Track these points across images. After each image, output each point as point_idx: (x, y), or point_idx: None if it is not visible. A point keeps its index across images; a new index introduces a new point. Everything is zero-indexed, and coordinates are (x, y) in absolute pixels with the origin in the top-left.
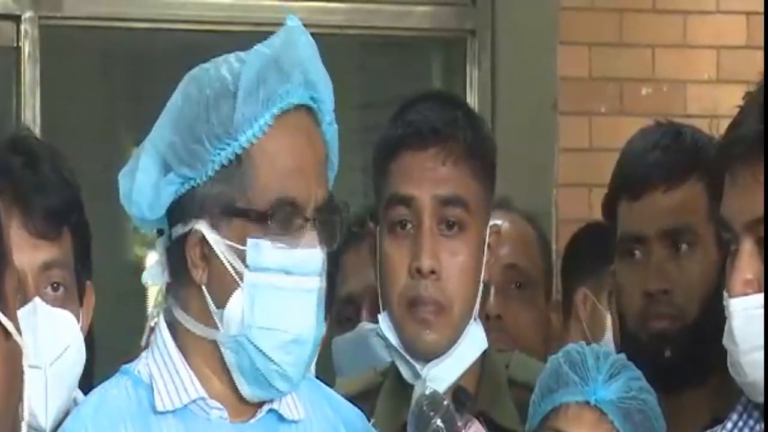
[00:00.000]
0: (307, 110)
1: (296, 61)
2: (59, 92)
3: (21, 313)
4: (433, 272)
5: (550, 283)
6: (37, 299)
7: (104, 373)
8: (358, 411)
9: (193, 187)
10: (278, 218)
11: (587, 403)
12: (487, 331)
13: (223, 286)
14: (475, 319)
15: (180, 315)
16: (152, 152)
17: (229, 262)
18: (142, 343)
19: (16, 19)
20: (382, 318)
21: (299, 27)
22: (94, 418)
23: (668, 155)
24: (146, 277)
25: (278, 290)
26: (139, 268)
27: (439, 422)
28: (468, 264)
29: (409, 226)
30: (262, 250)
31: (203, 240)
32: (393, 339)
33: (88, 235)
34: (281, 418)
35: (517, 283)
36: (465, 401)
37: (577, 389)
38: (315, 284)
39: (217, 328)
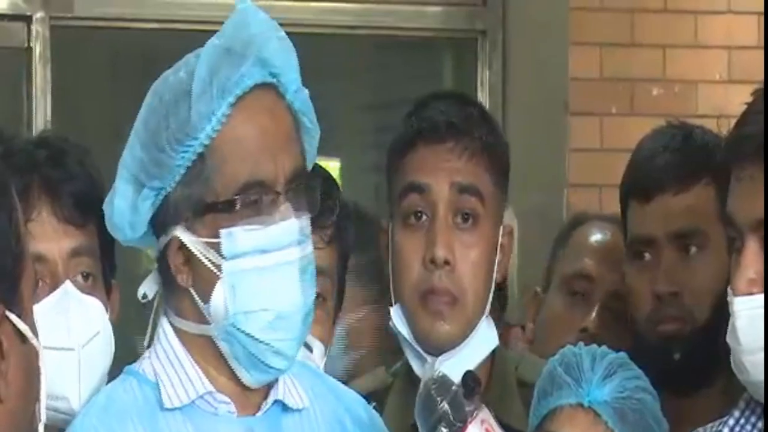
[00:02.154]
0: (267, 87)
1: (247, 42)
2: (70, 93)
3: (52, 298)
4: (447, 263)
5: None
6: (68, 283)
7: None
8: (361, 398)
9: (166, 196)
10: (246, 202)
11: (581, 404)
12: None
13: (206, 282)
14: (487, 316)
15: (175, 320)
16: (125, 174)
17: (206, 257)
18: (146, 344)
19: (27, 19)
20: (394, 311)
21: (250, 6)
22: (103, 417)
23: (678, 157)
24: (141, 291)
25: (258, 271)
26: (150, 266)
27: (445, 406)
28: (481, 258)
29: (423, 217)
30: (236, 237)
31: (182, 244)
32: (405, 332)
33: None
34: (285, 408)
35: (618, 313)
36: (474, 387)
37: (570, 391)
38: (294, 255)
39: (209, 323)
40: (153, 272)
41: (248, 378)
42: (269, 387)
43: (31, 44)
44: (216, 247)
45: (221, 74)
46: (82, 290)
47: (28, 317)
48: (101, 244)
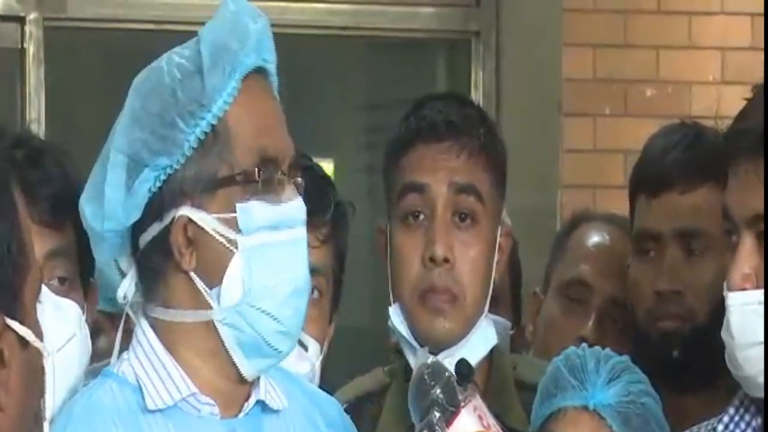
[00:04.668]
0: (262, 73)
1: (245, 28)
2: (63, 94)
3: None
4: (446, 261)
5: None
6: (43, 287)
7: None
8: (333, 399)
9: (169, 175)
10: (263, 176)
11: (585, 407)
12: (583, 345)
13: (217, 261)
14: (485, 316)
15: (162, 313)
16: (118, 160)
17: (220, 234)
18: (113, 359)
19: (20, 20)
20: (393, 310)
21: (242, 1)
22: (86, 419)
23: (688, 156)
24: (121, 293)
25: (272, 247)
26: None
27: (438, 392)
28: (480, 257)
29: (422, 216)
30: (252, 211)
31: (187, 225)
32: (404, 331)
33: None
34: (265, 408)
35: (616, 318)
36: (467, 374)
37: (575, 393)
38: (302, 234)
39: (209, 308)
40: (130, 273)
41: (246, 367)
42: (251, 387)
43: (25, 45)
44: (231, 223)
45: (229, 51)
46: (58, 293)
47: (31, 319)
48: (79, 244)
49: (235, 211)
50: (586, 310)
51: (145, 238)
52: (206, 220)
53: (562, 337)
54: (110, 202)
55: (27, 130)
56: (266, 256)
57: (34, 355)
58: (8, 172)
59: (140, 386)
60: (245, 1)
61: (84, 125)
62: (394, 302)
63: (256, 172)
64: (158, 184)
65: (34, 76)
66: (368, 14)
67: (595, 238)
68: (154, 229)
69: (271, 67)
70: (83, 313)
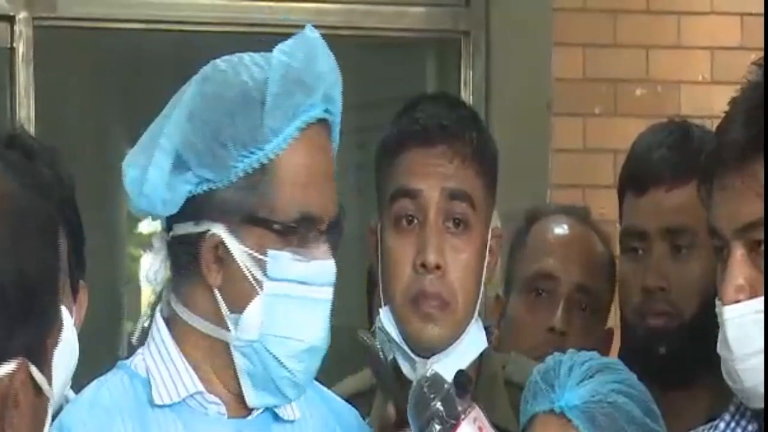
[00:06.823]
0: (324, 124)
1: (318, 75)
2: (54, 93)
3: None
4: (438, 267)
5: (611, 304)
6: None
7: (89, 372)
8: (353, 409)
9: (211, 189)
10: (299, 232)
11: (552, 410)
12: (549, 344)
13: (241, 291)
14: (476, 319)
15: (182, 311)
16: (167, 148)
17: (248, 269)
18: (134, 341)
19: (10, 19)
20: (384, 313)
21: (319, 39)
22: (91, 410)
23: (674, 154)
24: (146, 275)
25: (295, 300)
26: (134, 268)
27: (438, 405)
28: (471, 262)
29: (414, 221)
30: (283, 261)
31: (220, 244)
32: (394, 334)
33: (81, 233)
34: (276, 416)
35: (584, 305)
36: (466, 385)
37: (544, 398)
38: (329, 295)
39: (227, 329)
40: (161, 254)
41: (253, 397)
42: None
43: (15, 44)
44: (261, 264)
45: (295, 96)
46: None
47: (48, 366)
48: (70, 245)
49: (266, 255)
50: (553, 301)
51: (179, 229)
52: (238, 251)
53: (532, 331)
54: (151, 183)
55: (19, 127)
56: (288, 307)
57: (43, 401)
58: (54, 216)
59: (150, 380)
60: (324, 44)
61: (74, 124)
62: (384, 304)
63: (295, 228)
64: (200, 191)
65: (24, 75)
66: (358, 14)
67: (555, 231)
68: (189, 227)
69: (336, 118)
70: (72, 316)
